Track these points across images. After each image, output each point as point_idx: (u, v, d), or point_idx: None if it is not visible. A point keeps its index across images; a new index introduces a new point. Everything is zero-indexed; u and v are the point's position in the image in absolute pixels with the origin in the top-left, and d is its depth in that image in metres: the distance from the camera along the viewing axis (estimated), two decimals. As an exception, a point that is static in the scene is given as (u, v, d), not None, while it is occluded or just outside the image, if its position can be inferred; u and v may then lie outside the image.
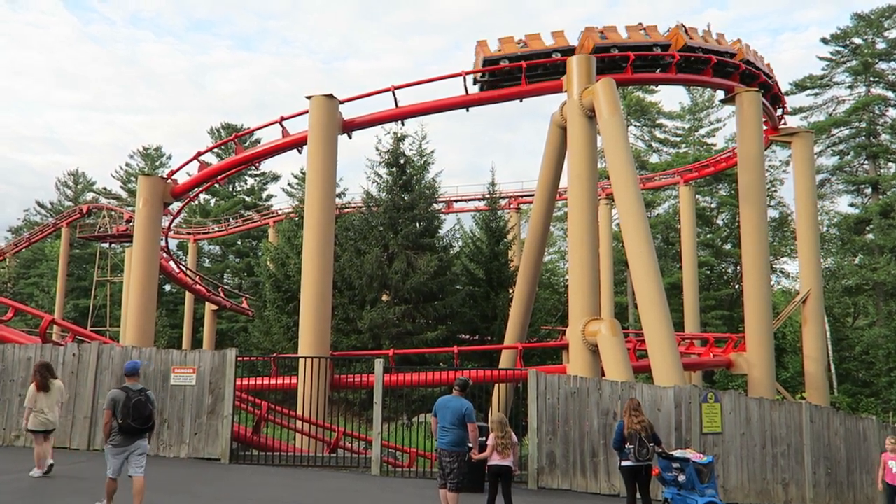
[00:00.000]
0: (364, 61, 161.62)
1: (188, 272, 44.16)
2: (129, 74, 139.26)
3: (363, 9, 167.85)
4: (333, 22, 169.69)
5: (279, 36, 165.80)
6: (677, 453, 10.91)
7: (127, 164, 74.02)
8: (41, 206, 76.65)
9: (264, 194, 71.68)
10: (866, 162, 50.39)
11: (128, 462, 8.59)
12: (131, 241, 33.87)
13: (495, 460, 9.70)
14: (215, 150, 54.13)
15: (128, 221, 45.85)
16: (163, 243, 34.54)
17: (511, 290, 31.47)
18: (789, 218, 54.59)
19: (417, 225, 31.31)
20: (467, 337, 32.66)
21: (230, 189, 69.83)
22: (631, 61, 24.26)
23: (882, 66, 49.97)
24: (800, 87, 51.70)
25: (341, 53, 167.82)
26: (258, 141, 47.58)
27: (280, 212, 54.70)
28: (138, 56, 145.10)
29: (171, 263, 40.36)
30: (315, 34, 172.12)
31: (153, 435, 13.60)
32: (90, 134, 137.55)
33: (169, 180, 26.49)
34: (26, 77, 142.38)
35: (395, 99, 23.70)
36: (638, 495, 10.39)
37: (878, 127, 49.60)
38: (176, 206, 35.42)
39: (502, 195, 43.41)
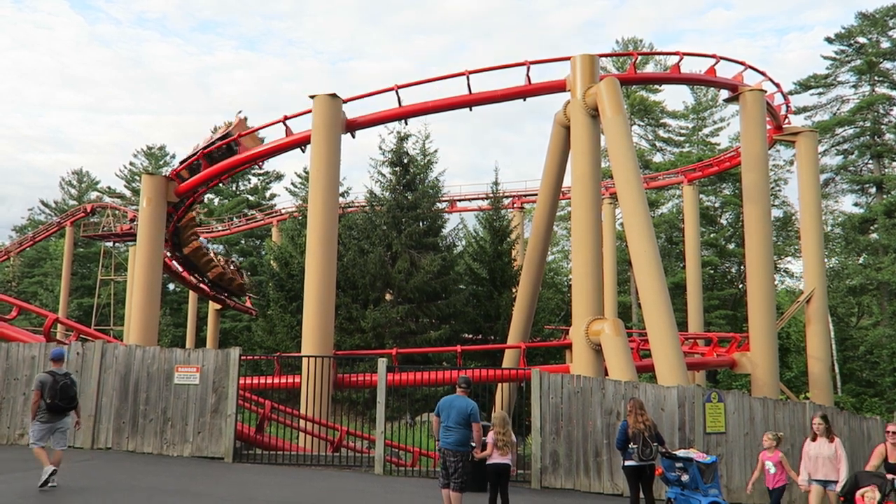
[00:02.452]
0: (369, 62, 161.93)
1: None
2: (134, 75, 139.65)
3: (368, 10, 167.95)
4: (338, 23, 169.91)
5: (284, 37, 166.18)
6: (681, 453, 10.89)
7: (131, 164, 74.15)
8: (45, 205, 76.83)
9: (268, 193, 71.77)
10: (870, 161, 50.23)
11: (52, 436, 9.97)
12: (135, 240, 33.91)
13: (495, 458, 9.71)
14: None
15: (132, 220, 45.98)
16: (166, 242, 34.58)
17: (514, 290, 31.43)
18: (793, 217, 54.48)
19: (421, 224, 31.29)
20: (470, 336, 32.65)
21: (234, 188, 69.92)
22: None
23: (887, 65, 49.81)
24: (804, 86, 51.53)
25: (346, 54, 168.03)
26: (262, 140, 47.55)
27: (283, 211, 54.76)
28: (144, 57, 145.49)
29: (175, 262, 40.37)
30: (320, 35, 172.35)
31: (157, 433, 13.68)
32: (95, 134, 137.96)
33: (173, 179, 26.52)
34: (32, 78, 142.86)
35: (399, 98, 23.72)
36: (641, 495, 10.39)
37: (882, 126, 49.42)
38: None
39: (505, 194, 43.37)
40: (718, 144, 59.09)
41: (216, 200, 68.48)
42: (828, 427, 10.67)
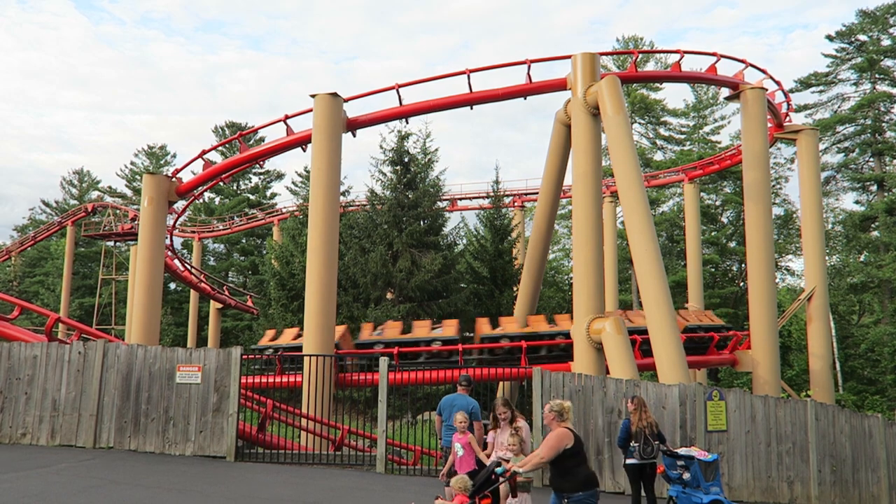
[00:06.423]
0: (373, 61, 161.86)
1: (193, 270, 44.24)
2: (138, 75, 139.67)
3: (374, 9, 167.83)
4: (343, 22, 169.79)
5: (289, 36, 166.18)
6: (682, 451, 10.89)
7: (132, 163, 74.16)
8: (46, 204, 76.87)
9: (269, 192, 71.80)
10: (871, 159, 50.20)
11: None
12: (136, 240, 33.94)
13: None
14: (220, 148, 54.22)
15: (133, 220, 46.03)
16: (168, 241, 34.63)
17: (515, 289, 31.46)
18: (794, 215, 54.46)
19: (422, 223, 31.30)
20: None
21: (235, 187, 69.94)
22: None
23: (887, 62, 49.75)
24: (805, 84, 51.51)
25: (351, 53, 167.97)
26: (262, 139, 47.69)
27: (284, 210, 54.77)
28: (148, 56, 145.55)
29: (176, 262, 40.43)
30: (325, 35, 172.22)
31: (159, 432, 13.70)
32: (99, 134, 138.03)
33: (174, 179, 26.53)
34: (36, 78, 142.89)
35: (400, 97, 23.72)
36: (643, 493, 10.40)
37: (883, 124, 49.39)
38: (181, 204, 35.49)
39: (506, 193, 43.39)
40: (719, 142, 59.04)
41: (217, 199, 68.51)
42: (510, 413, 9.38)
